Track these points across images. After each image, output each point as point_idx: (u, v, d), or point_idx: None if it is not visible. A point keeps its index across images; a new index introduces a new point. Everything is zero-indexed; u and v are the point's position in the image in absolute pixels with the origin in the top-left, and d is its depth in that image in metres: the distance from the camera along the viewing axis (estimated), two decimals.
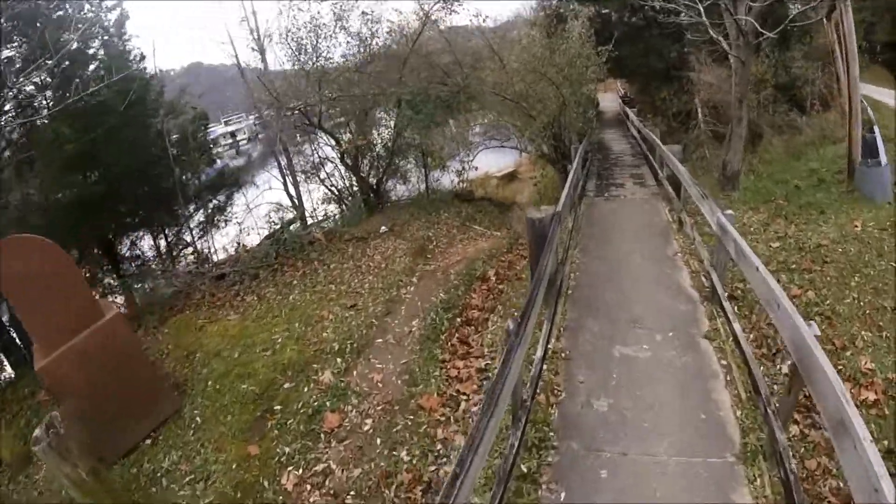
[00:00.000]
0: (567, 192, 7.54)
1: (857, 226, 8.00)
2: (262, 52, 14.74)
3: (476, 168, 16.94)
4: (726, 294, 5.78)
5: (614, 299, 6.43)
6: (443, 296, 7.79)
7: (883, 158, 9.57)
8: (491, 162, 20.73)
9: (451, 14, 15.02)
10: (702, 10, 10.73)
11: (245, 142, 41.72)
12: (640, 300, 6.34)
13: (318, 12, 12.96)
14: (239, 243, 13.65)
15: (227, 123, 43.94)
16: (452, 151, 16.79)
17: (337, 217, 15.79)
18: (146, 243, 14.28)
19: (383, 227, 11.62)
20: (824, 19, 12.49)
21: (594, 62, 15.84)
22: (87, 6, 11.99)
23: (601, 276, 7.20)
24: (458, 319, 7.19)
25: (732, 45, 11.01)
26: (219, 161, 22.10)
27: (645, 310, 6.08)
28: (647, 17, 24.40)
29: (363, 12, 13.32)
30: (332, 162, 15.82)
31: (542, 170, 18.45)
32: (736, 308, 5.85)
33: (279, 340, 7.25)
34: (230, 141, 42.14)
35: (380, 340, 6.99)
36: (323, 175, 16.14)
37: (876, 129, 10.66)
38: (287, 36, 13.05)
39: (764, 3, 10.29)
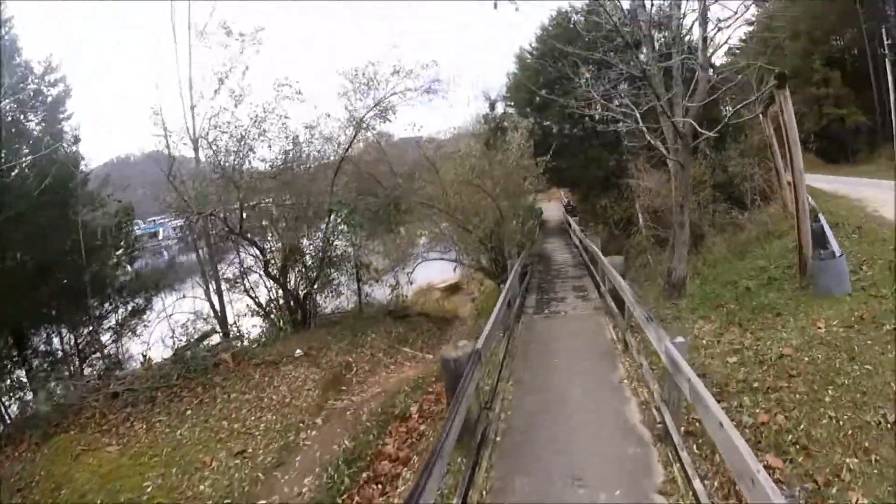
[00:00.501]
0: (493, 321, 6.42)
1: (819, 326, 7.18)
2: (195, 148, 13.65)
3: (411, 283, 15.82)
4: (682, 430, 4.68)
5: (551, 446, 5.22)
6: (348, 444, 6.56)
7: (836, 248, 8.99)
8: (435, 272, 19.66)
9: (385, 122, 14.77)
10: (638, 116, 10.52)
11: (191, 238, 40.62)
12: (581, 446, 5.15)
13: (233, 113, 12.23)
14: (145, 356, 12.37)
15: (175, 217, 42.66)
16: (391, 264, 15.82)
17: (260, 332, 14.20)
18: (61, 339, 13.02)
19: (298, 351, 10.50)
20: (761, 115, 12.72)
21: (533, 173, 15.63)
22: (30, 77, 11.47)
23: (537, 415, 5.99)
24: (364, 475, 5.89)
25: (671, 149, 10.72)
26: (164, 256, 20.84)
27: (588, 459, 4.88)
28: (587, 128, 25.44)
29: (279, 115, 12.61)
30: (256, 272, 14.46)
31: (479, 284, 17.46)
32: (695, 447, 4.79)
33: (149, 489, 6.27)
34: (179, 235, 41.33)
35: (263, 502, 5.61)
36: (248, 285, 14.54)
37: (821, 217, 10.24)
38: (207, 135, 12.28)
39: (702, 102, 10.13)
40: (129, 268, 15.81)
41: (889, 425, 4.88)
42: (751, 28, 24.81)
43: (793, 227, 12.43)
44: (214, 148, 12.15)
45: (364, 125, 14.28)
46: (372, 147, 16.35)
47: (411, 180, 15.58)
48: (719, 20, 9.85)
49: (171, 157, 12.31)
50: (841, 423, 5.03)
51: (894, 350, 6.00)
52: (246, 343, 12.45)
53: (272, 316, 14.24)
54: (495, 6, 9.71)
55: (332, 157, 14.25)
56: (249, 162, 12.59)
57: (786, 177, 13.99)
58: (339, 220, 13.63)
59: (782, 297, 9.17)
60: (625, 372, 6.86)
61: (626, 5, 10.99)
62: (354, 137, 14.20)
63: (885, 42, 28.37)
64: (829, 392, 5.61)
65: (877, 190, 16.61)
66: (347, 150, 14.16)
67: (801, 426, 5.09)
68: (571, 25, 23.37)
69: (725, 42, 13.05)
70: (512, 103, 27.65)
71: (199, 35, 13.01)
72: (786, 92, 8.88)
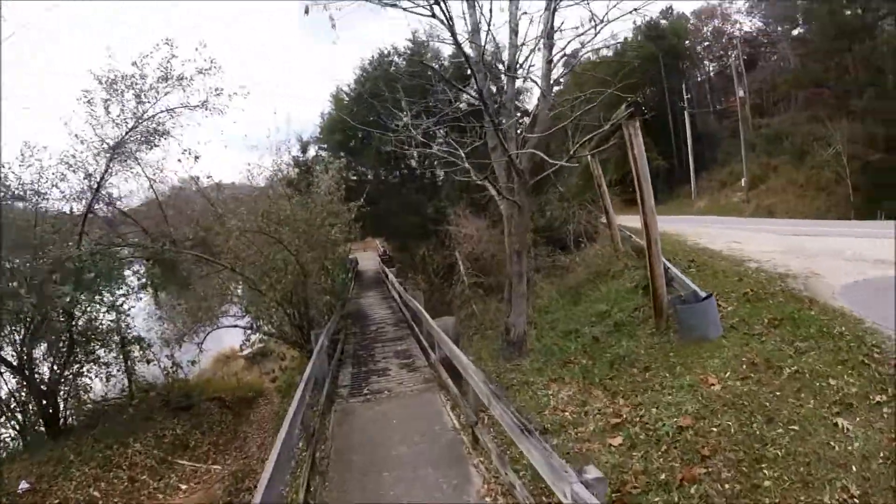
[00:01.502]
0: (281, 445, 3.68)
1: (712, 384, 5.82)
2: None
3: (196, 363, 12.20)
4: None
5: None
6: None
7: (695, 287, 8.02)
8: (239, 336, 15.79)
9: (151, 150, 11.65)
10: (463, 155, 8.98)
11: None
12: None
13: None
14: None
15: None
16: (172, 337, 12.17)
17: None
18: None
19: (23, 484, 7.19)
20: (589, 157, 11.98)
21: (344, 220, 13.29)
22: None
23: None
24: None
25: (504, 189, 9.20)
26: None
27: None
28: (403, 174, 24.38)
29: None
30: None
31: (281, 360, 14.35)
32: None
33: None
34: None
35: None
36: None
37: (665, 262, 9.34)
38: None
39: (543, 133, 8.84)
40: None
41: (855, 498, 3.84)
42: (559, 87, 26.37)
43: (627, 267, 11.81)
44: None
45: (123, 153, 10.95)
46: (143, 187, 13.01)
47: (191, 229, 12.44)
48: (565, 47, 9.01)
49: None
50: None
51: None
52: None
53: (16, 415, 10.05)
54: (306, 11, 7.95)
55: (84, 198, 10.83)
56: None
57: (614, 217, 13.55)
58: (94, 283, 10.07)
59: (640, 346, 7.92)
60: (482, 482, 4.66)
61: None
62: (107, 169, 10.74)
63: (686, 97, 35.09)
64: (764, 472, 4.31)
65: (685, 224, 17.62)
66: (98, 187, 10.72)
67: None
68: (392, 69, 22.28)
69: (570, 70, 12.47)
70: (325, 145, 25.71)
71: None
72: (636, 123, 7.90)
